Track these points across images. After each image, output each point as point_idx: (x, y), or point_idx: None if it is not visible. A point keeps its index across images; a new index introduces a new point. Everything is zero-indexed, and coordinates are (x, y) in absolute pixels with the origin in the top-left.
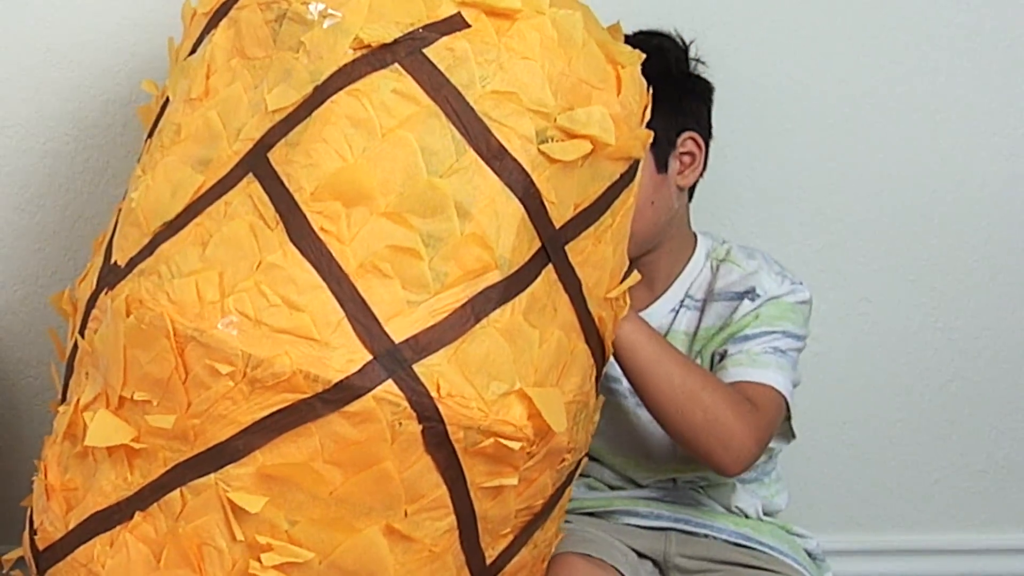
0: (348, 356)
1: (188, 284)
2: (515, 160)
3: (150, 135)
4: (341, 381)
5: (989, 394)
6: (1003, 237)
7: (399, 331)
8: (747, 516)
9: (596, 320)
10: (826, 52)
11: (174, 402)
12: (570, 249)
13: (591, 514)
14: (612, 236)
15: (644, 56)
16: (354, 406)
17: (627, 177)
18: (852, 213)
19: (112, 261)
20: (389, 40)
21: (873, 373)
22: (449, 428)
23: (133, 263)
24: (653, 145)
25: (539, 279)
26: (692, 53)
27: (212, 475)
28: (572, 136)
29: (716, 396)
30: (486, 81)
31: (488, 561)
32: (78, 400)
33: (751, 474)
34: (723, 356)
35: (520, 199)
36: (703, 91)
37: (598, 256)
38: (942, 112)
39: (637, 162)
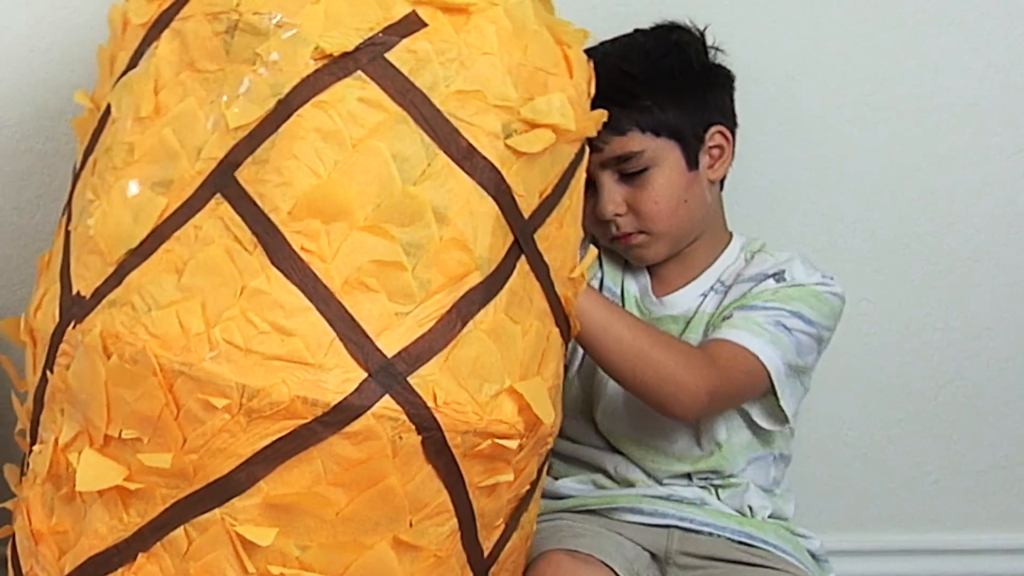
0: (343, 376)
1: (168, 316)
2: (485, 158)
3: (89, 151)
4: (340, 403)
5: (989, 394)
6: (1003, 237)
7: (390, 345)
8: (754, 516)
9: (563, 301)
10: (825, 52)
11: (167, 438)
12: (537, 237)
13: (592, 511)
14: (571, 216)
15: (590, 35)
16: (354, 426)
17: (580, 156)
18: (852, 213)
19: (74, 292)
20: (351, 48)
21: (873, 373)
22: (447, 435)
23: (100, 294)
24: (682, 143)
25: (515, 273)
26: (710, 41)
27: (217, 510)
28: (535, 126)
29: (666, 352)
30: (450, 81)
31: (485, 554)
32: (56, 439)
33: (762, 482)
34: (727, 319)
35: (493, 196)
36: (725, 81)
37: (562, 238)
38: (942, 112)
39: (587, 140)
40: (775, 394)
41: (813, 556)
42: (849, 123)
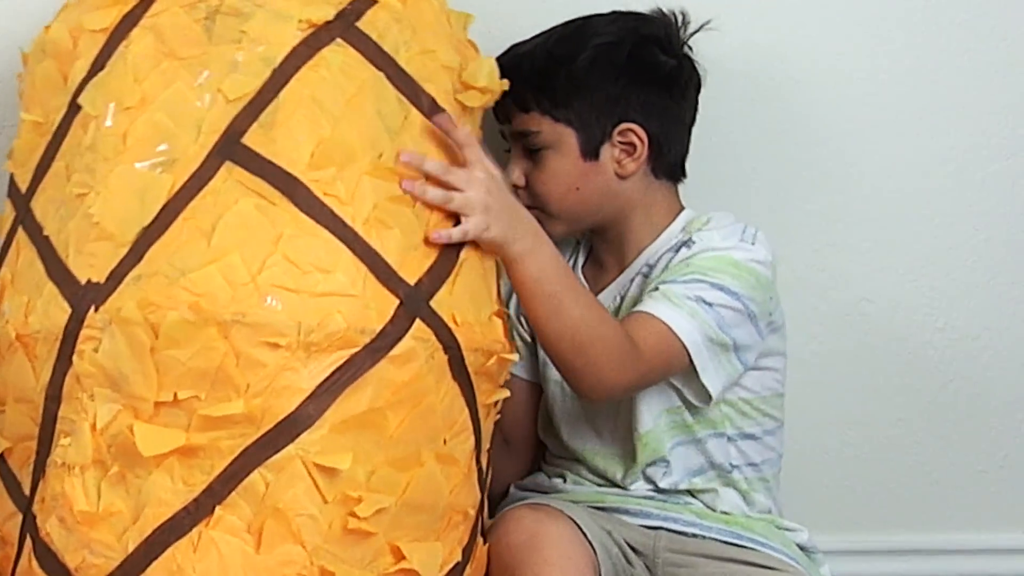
0: (380, 306)
1: (208, 274)
2: (445, 111)
3: (47, 162)
4: (384, 328)
5: (989, 394)
6: (1003, 237)
7: (410, 274)
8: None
9: None
10: (826, 51)
11: (228, 388)
12: None
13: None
14: None
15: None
16: (397, 349)
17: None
18: (852, 213)
19: (84, 281)
20: (330, 18)
21: (873, 373)
22: (465, 353)
23: (118, 274)
24: (581, 134)
25: None
26: (683, 36)
27: (290, 447)
28: (470, 88)
29: (601, 344)
30: (408, 45)
31: (485, 475)
32: (94, 424)
33: (721, 459)
34: (650, 292)
35: None
36: (665, 80)
37: None
38: (942, 112)
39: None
40: (695, 370)
41: (802, 549)
42: (849, 123)
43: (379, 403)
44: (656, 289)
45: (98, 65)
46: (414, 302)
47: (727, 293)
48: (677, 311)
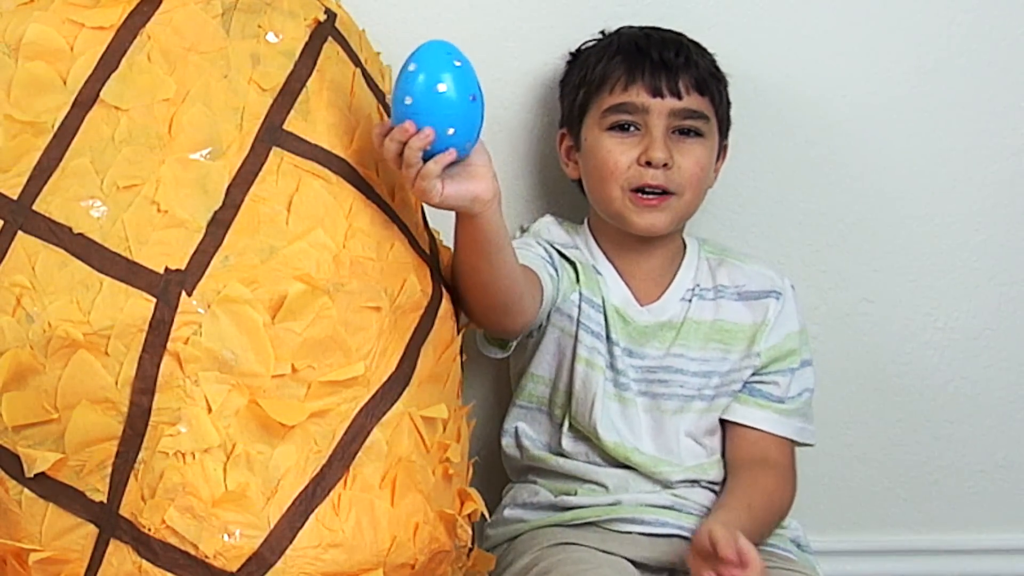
0: (424, 271)
1: (301, 250)
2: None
3: (54, 158)
4: (433, 291)
5: (989, 394)
6: (1003, 237)
7: (424, 245)
8: None
9: None
10: (826, 51)
11: (339, 354)
12: None
13: (591, 523)
14: None
15: None
16: (442, 310)
17: None
18: (852, 213)
19: (161, 270)
20: (323, 19)
21: (873, 373)
22: (459, 316)
23: (201, 259)
24: (720, 136)
25: None
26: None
27: (398, 404)
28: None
29: (785, 511)
30: (360, 48)
31: None
32: (208, 407)
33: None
34: (768, 379)
35: None
36: None
37: None
38: (942, 112)
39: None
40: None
41: (797, 545)
42: (849, 123)
43: (438, 358)
44: (773, 383)
45: (109, 61)
46: (439, 274)
47: (811, 364)
48: (806, 422)
